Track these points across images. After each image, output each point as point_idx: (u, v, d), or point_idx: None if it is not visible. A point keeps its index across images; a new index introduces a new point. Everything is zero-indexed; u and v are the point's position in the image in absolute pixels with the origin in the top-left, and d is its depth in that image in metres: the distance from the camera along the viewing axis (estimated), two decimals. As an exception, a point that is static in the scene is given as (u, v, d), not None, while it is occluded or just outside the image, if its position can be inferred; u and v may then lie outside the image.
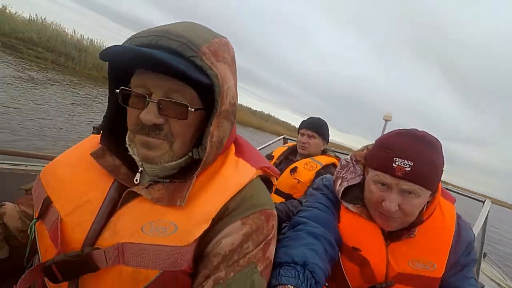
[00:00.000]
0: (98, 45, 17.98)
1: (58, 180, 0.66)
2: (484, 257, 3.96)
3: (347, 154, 1.08)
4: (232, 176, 0.65)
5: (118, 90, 0.60)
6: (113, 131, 0.68)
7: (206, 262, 0.58)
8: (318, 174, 1.81)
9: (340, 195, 0.97)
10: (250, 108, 34.58)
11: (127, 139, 0.64)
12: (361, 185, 0.96)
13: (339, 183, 0.99)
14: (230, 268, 0.57)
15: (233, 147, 0.73)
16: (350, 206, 0.96)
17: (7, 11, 15.40)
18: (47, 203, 0.63)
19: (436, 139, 0.84)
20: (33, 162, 1.64)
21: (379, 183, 0.85)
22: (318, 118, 2.12)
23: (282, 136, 3.09)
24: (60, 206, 0.62)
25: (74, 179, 0.65)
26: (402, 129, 0.87)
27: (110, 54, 0.56)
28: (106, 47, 0.55)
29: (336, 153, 2.15)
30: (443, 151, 0.85)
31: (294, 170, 1.90)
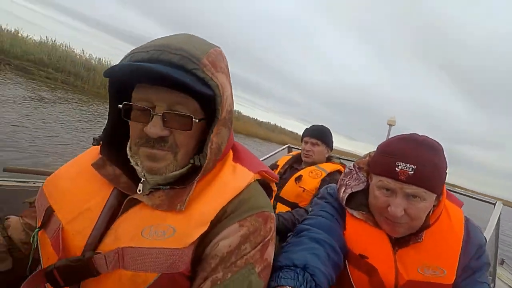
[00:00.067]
0: (106, 63, 18.52)
1: (60, 190, 0.68)
2: (502, 263, 3.79)
3: (353, 161, 1.08)
4: (230, 180, 0.67)
5: (121, 105, 0.62)
6: (113, 142, 0.70)
7: (204, 264, 0.59)
8: (323, 181, 1.80)
9: (344, 201, 0.97)
10: (257, 119, 34.90)
11: (128, 151, 0.66)
12: (365, 192, 0.95)
13: (343, 190, 0.99)
14: (227, 269, 0.58)
15: (231, 153, 0.75)
16: (355, 213, 0.95)
17: (19, 34, 16.02)
18: (49, 213, 0.65)
19: (437, 142, 0.85)
20: (41, 178, 1.68)
21: (383, 188, 0.85)
22: (321, 125, 2.12)
23: (286, 145, 3.08)
24: (61, 215, 0.64)
25: (75, 189, 0.67)
26: (403, 134, 0.88)
27: (116, 71, 0.58)
28: (112, 65, 0.58)
29: (341, 160, 2.14)
30: (444, 154, 0.85)
31: (299, 179, 1.89)
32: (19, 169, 1.76)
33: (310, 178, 1.86)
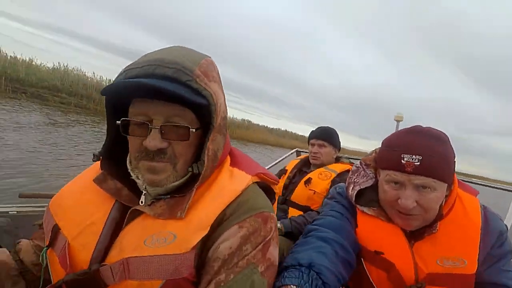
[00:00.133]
0: (116, 84, 18.99)
1: (64, 208, 0.70)
2: None
3: None
4: (228, 184, 0.68)
5: (119, 122, 0.63)
6: (113, 157, 0.72)
7: (207, 268, 0.60)
8: (334, 182, 1.77)
9: (353, 199, 0.96)
10: (267, 126, 35.04)
11: (128, 165, 0.68)
12: (374, 188, 0.95)
13: (351, 188, 0.99)
14: (230, 270, 0.59)
15: (228, 158, 0.76)
16: (366, 210, 0.94)
17: (33, 63, 16.76)
18: (55, 231, 0.67)
19: (442, 132, 0.85)
20: None
21: (392, 182, 0.85)
22: (327, 126, 2.10)
23: (294, 149, 3.04)
24: (67, 231, 0.66)
25: (79, 205, 0.69)
26: (407, 128, 0.89)
27: (113, 89, 0.60)
28: (109, 84, 0.60)
29: (350, 159, 2.11)
30: (451, 143, 0.85)
31: (308, 182, 1.87)
32: (33, 194, 1.82)
33: (320, 180, 1.84)
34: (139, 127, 0.62)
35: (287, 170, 2.11)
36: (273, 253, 0.66)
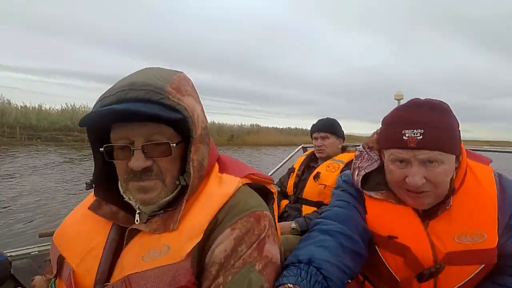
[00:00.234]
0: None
1: (66, 238, 0.73)
2: None
3: None
4: (217, 190, 0.69)
5: (102, 149, 0.65)
6: (105, 182, 0.73)
7: (206, 274, 0.61)
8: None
9: (359, 184, 0.93)
10: (277, 127, 35.04)
11: (120, 188, 0.69)
12: (381, 171, 0.91)
13: (356, 173, 0.95)
14: (227, 272, 0.60)
15: (216, 166, 0.77)
16: (373, 194, 0.91)
17: (43, 108, 17.45)
18: (61, 261, 0.69)
19: (441, 102, 0.81)
20: None
21: (397, 161, 0.81)
22: (327, 118, 2.06)
23: (300, 146, 2.98)
24: (71, 259, 0.68)
25: (79, 233, 0.72)
26: (404, 103, 0.85)
27: (89, 120, 0.62)
28: (85, 115, 0.62)
29: (356, 147, 2.01)
30: (453, 112, 0.81)
31: (317, 176, 1.83)
32: (51, 232, 1.84)
33: (328, 172, 1.80)
34: (122, 150, 0.64)
35: (295, 168, 2.07)
36: (271, 250, 0.66)
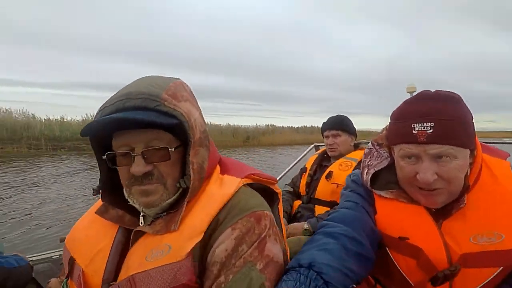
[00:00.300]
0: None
1: (77, 241, 0.77)
2: None
3: None
4: (217, 191, 0.70)
5: (104, 157, 0.69)
6: (111, 188, 0.76)
7: (208, 273, 0.63)
8: None
9: (368, 183, 0.89)
10: (292, 126, 34.89)
11: (125, 192, 0.72)
12: (391, 168, 0.87)
13: (365, 172, 0.92)
14: (229, 271, 0.61)
15: (218, 168, 0.78)
16: (383, 193, 0.87)
17: (64, 120, 18.19)
18: (71, 263, 0.73)
19: (452, 92, 0.77)
20: None
21: (406, 157, 0.77)
22: (337, 115, 2.02)
23: (312, 145, 2.93)
24: (81, 261, 0.72)
25: (88, 236, 0.76)
26: (413, 96, 0.81)
27: (90, 130, 0.65)
28: (86, 125, 0.65)
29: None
30: (465, 103, 0.76)
31: (329, 175, 1.78)
32: None
33: (341, 171, 1.75)
34: (123, 157, 0.67)
35: (307, 167, 2.03)
36: (272, 249, 0.67)
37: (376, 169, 0.89)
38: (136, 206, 0.70)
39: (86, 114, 19.35)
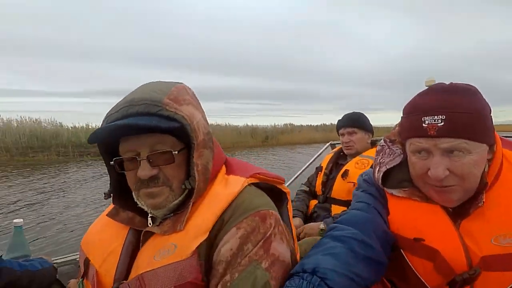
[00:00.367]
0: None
1: (91, 243, 0.81)
2: None
3: None
4: (222, 190, 0.72)
5: (112, 162, 0.72)
6: (121, 191, 0.79)
7: (214, 272, 0.64)
8: None
9: (380, 182, 0.85)
10: (311, 125, 34.56)
11: (134, 195, 0.75)
12: (404, 165, 0.83)
13: (377, 170, 0.88)
14: (234, 270, 0.62)
15: (223, 168, 0.80)
16: (395, 192, 0.83)
17: (90, 127, 18.95)
18: (87, 263, 0.77)
19: (467, 84, 0.73)
20: None
21: (417, 152, 0.74)
22: (353, 112, 1.97)
23: (328, 143, 2.88)
24: (95, 261, 0.75)
25: (101, 238, 0.80)
26: (426, 88, 0.78)
27: (96, 137, 0.69)
28: (92, 132, 0.68)
29: None
30: (481, 95, 0.72)
31: (345, 174, 1.75)
32: None
33: (357, 169, 1.71)
34: (130, 162, 0.70)
35: (322, 166, 1.99)
36: (278, 248, 0.67)
37: (388, 167, 0.85)
38: (144, 208, 0.73)
39: (100, 121, 20.04)
